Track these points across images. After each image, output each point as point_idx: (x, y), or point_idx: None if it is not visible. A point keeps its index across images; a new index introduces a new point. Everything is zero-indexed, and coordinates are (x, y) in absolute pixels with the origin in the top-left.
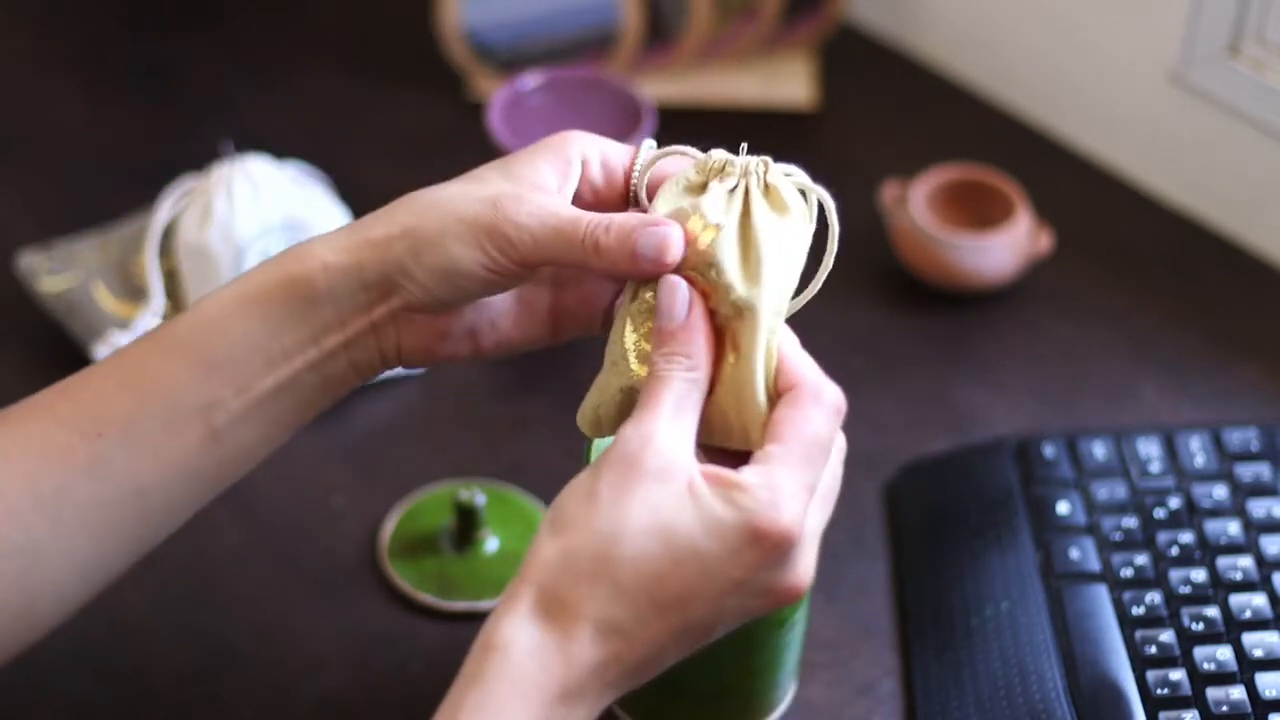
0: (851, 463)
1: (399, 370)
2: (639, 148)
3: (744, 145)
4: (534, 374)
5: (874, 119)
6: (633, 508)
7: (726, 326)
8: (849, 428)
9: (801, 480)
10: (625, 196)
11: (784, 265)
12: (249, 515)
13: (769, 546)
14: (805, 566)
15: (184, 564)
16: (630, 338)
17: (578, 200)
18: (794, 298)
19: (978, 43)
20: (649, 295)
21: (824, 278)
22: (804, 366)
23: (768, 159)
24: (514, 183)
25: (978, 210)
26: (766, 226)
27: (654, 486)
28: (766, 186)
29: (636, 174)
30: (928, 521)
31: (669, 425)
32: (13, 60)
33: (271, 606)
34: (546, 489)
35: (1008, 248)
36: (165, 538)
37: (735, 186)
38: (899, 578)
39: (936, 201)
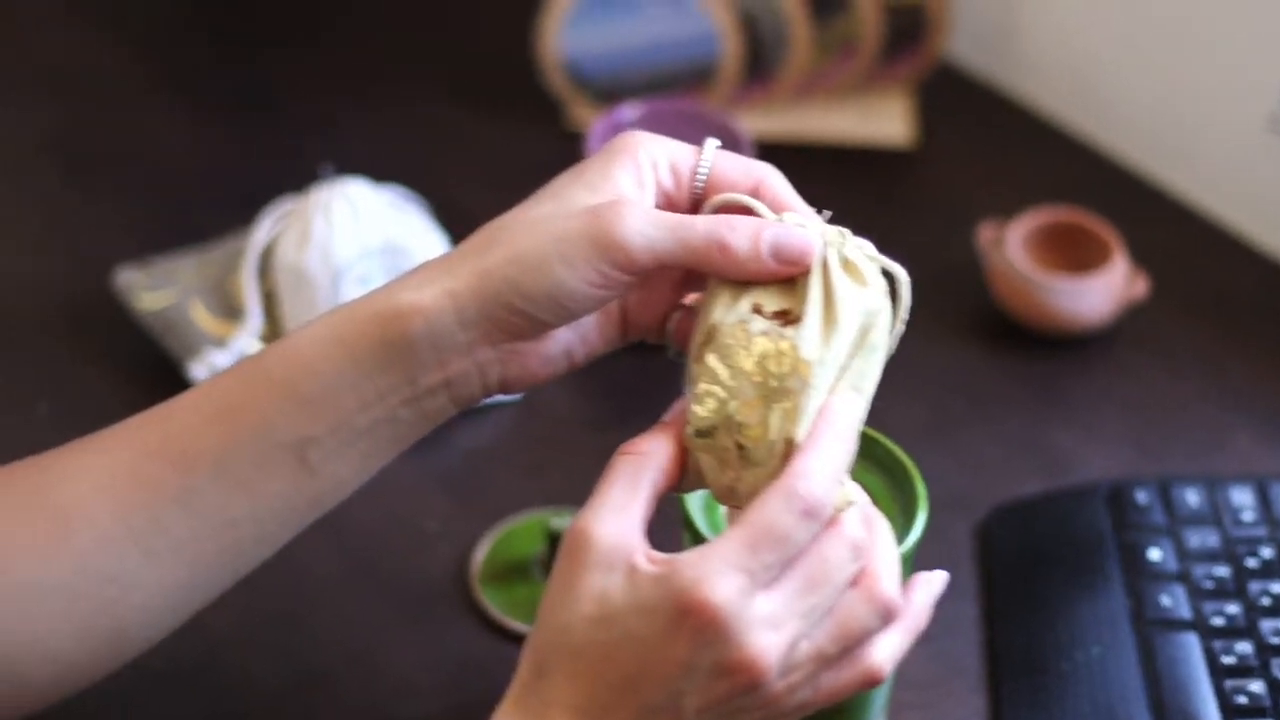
0: (944, 502)
1: (497, 396)
2: (704, 148)
3: (826, 213)
4: (630, 405)
5: (971, 158)
6: (579, 599)
7: (781, 387)
8: (942, 466)
9: (737, 562)
10: (691, 198)
11: (856, 332)
12: (342, 538)
13: (696, 624)
14: (755, 641)
15: (277, 585)
16: (687, 394)
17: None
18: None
19: (1077, 84)
20: (704, 361)
21: (889, 354)
22: (807, 456)
23: (846, 230)
24: (596, 193)
25: (1074, 253)
26: (846, 291)
27: (596, 575)
28: (844, 259)
29: (701, 175)
30: (1019, 563)
31: (611, 513)
32: (116, 79)
33: (363, 629)
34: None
35: (1103, 291)
36: (258, 565)
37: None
38: (989, 618)
39: (1033, 243)
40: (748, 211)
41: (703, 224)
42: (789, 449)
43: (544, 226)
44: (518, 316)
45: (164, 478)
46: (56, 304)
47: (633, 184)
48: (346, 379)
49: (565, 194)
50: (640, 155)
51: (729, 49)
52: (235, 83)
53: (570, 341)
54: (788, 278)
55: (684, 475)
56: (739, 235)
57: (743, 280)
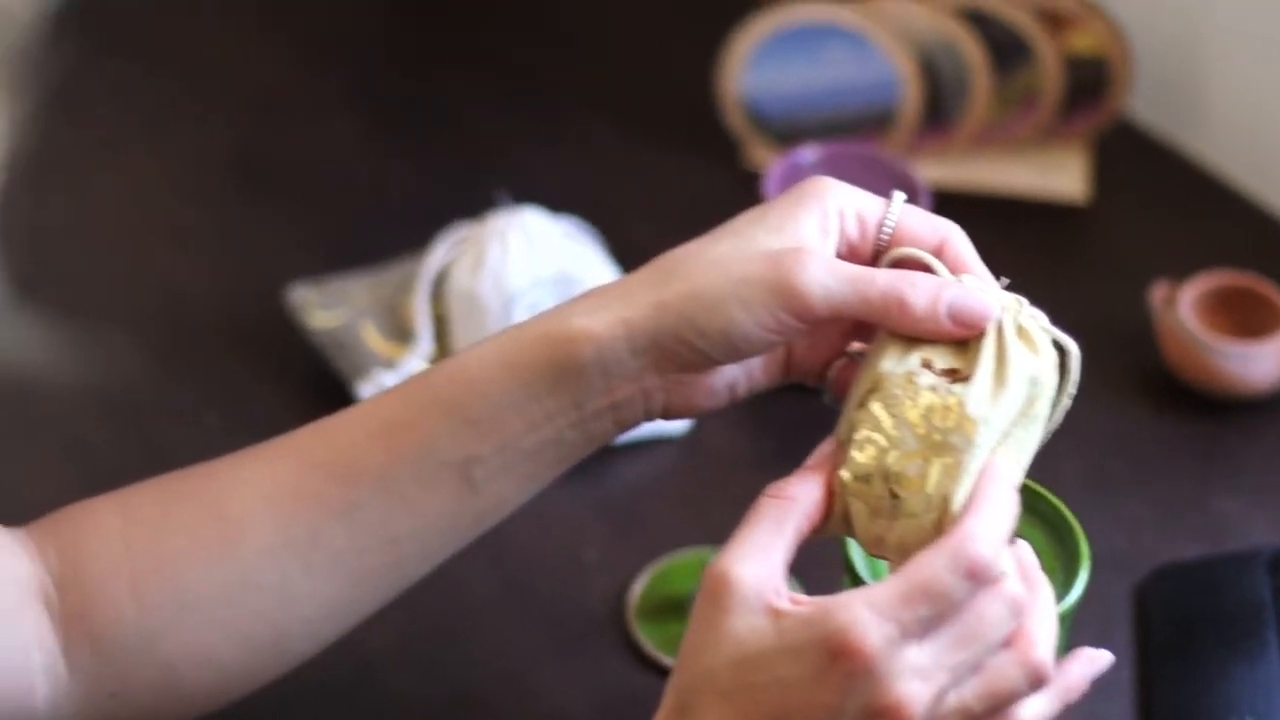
0: (1103, 562)
1: (660, 429)
2: (891, 201)
3: (1004, 280)
4: (794, 445)
5: (1146, 217)
6: (721, 641)
7: (944, 442)
8: (1102, 525)
9: (890, 611)
10: (874, 249)
11: (1024, 398)
12: (500, 562)
13: (847, 668)
14: (904, 689)
15: (433, 605)
16: (842, 438)
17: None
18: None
19: (1256, 148)
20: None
21: (1055, 427)
22: (975, 517)
23: (1023, 299)
24: (779, 237)
25: (1245, 317)
26: (1018, 356)
27: (737, 618)
28: (1019, 326)
29: (888, 228)
30: (1176, 627)
31: (753, 555)
32: (300, 96)
33: (517, 653)
34: (797, 563)
35: (1274, 357)
36: (416, 582)
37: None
38: (1144, 682)
39: (1204, 306)
40: (927, 268)
41: (883, 279)
42: (945, 505)
43: (724, 266)
44: (689, 351)
45: (327, 491)
46: (231, 317)
47: (817, 230)
48: (514, 400)
49: (747, 234)
50: (828, 202)
51: (909, 96)
52: (418, 106)
53: (735, 376)
54: (961, 339)
55: (828, 519)
56: (918, 294)
57: (916, 338)
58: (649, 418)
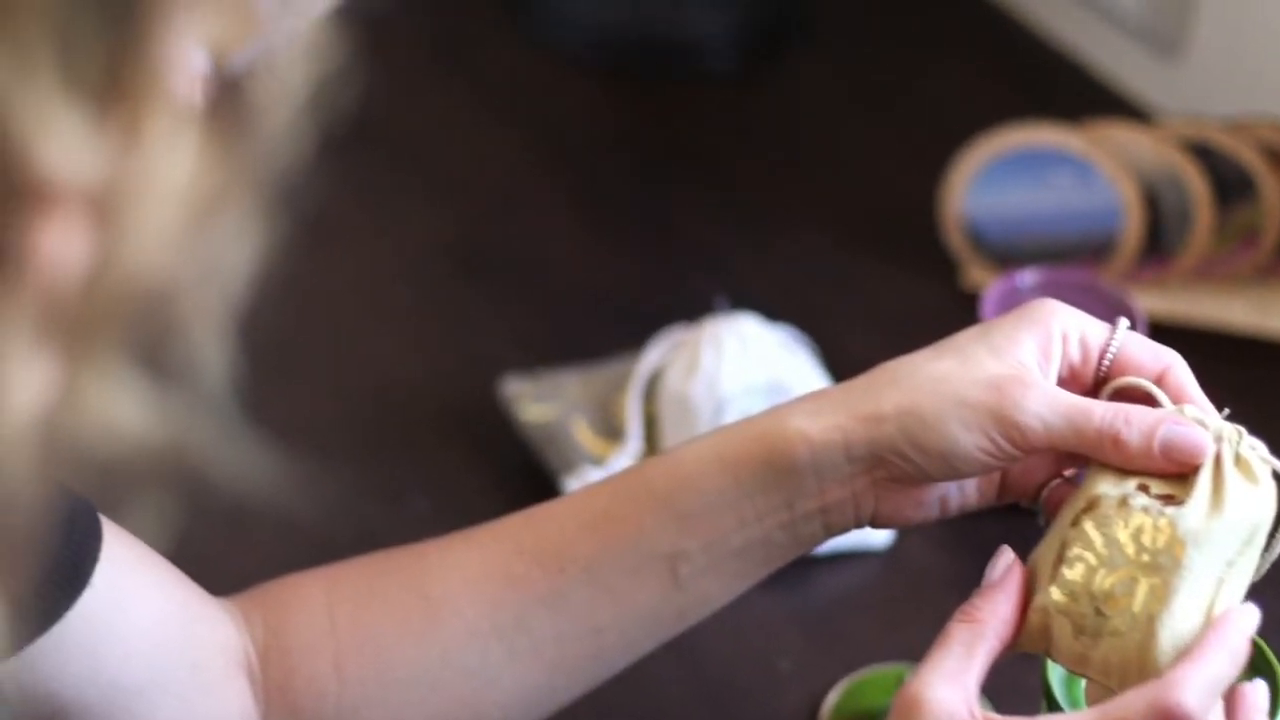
0: None
1: (861, 541)
2: (1116, 327)
3: (1225, 411)
4: None
5: None
6: None
7: (1153, 563)
8: None
9: None
10: (1096, 376)
11: (1240, 527)
12: (693, 663)
13: None
14: None
15: (624, 700)
16: (1049, 556)
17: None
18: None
19: None
20: (1080, 526)
21: (1272, 560)
22: (1191, 665)
23: (1243, 429)
24: (1000, 359)
25: None
26: (1236, 486)
27: None
28: (1237, 456)
29: (1110, 354)
30: None
31: (946, 678)
32: (522, 186)
33: None
34: (991, 686)
35: None
36: (616, 673)
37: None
38: None
39: None
40: (1148, 397)
41: (1099, 414)
42: (1150, 625)
43: (946, 385)
44: (905, 464)
45: (534, 578)
46: (445, 404)
47: (1039, 354)
48: (727, 497)
49: (968, 352)
50: (1052, 325)
51: (1131, 225)
52: (639, 204)
53: (947, 490)
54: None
55: (1019, 636)
56: (1133, 430)
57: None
58: (858, 524)
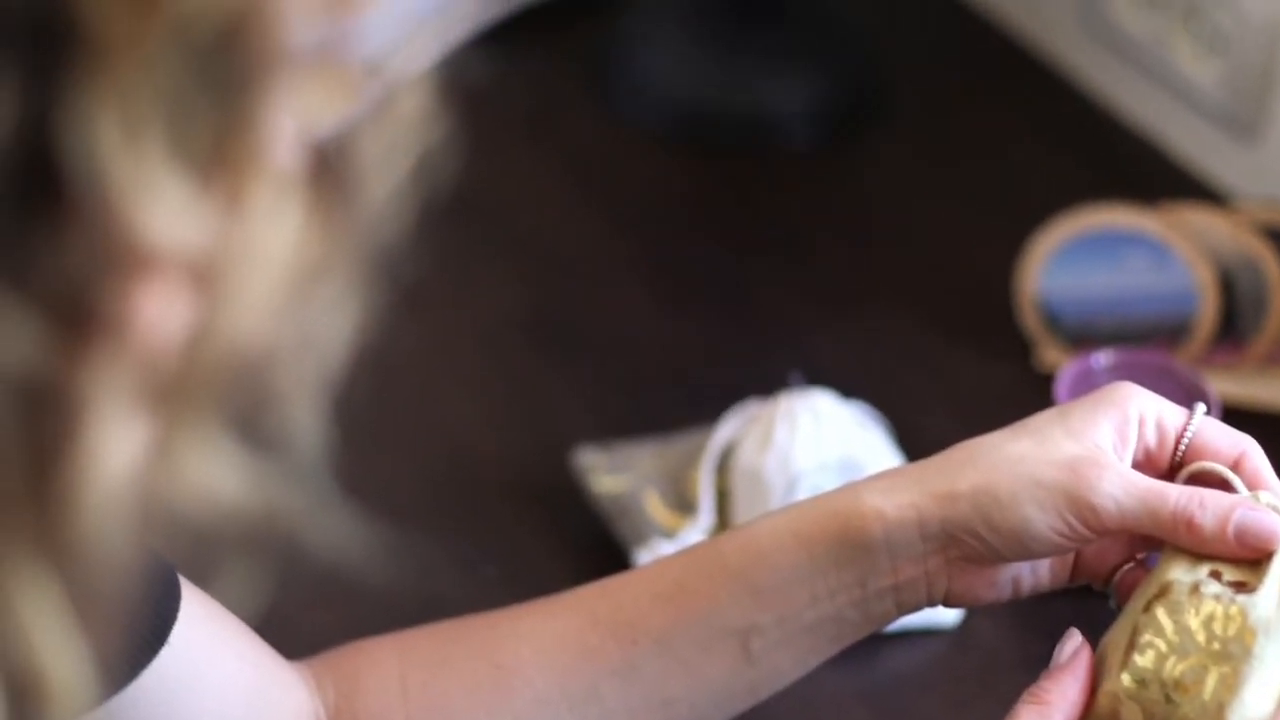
0: None
1: (930, 620)
2: (1194, 412)
3: None
4: None
5: None
6: None
7: (1223, 651)
8: None
9: None
10: (1173, 460)
11: None
12: None
13: None
14: None
15: None
16: (1120, 641)
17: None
18: None
19: None
20: (1152, 612)
21: None
22: None
23: None
24: (1077, 441)
25: None
26: None
27: None
28: None
29: (1187, 439)
30: None
31: None
32: (599, 262)
33: None
34: None
35: None
36: None
37: None
38: None
39: None
40: (1224, 483)
41: (1174, 497)
42: (1220, 713)
43: (1021, 465)
44: (979, 543)
45: (607, 648)
46: (516, 473)
47: (1115, 437)
48: (800, 572)
49: (1046, 434)
50: (1129, 409)
51: (1206, 308)
52: (716, 278)
53: (1020, 571)
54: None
55: (1089, 719)
56: (1207, 513)
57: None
58: (931, 602)
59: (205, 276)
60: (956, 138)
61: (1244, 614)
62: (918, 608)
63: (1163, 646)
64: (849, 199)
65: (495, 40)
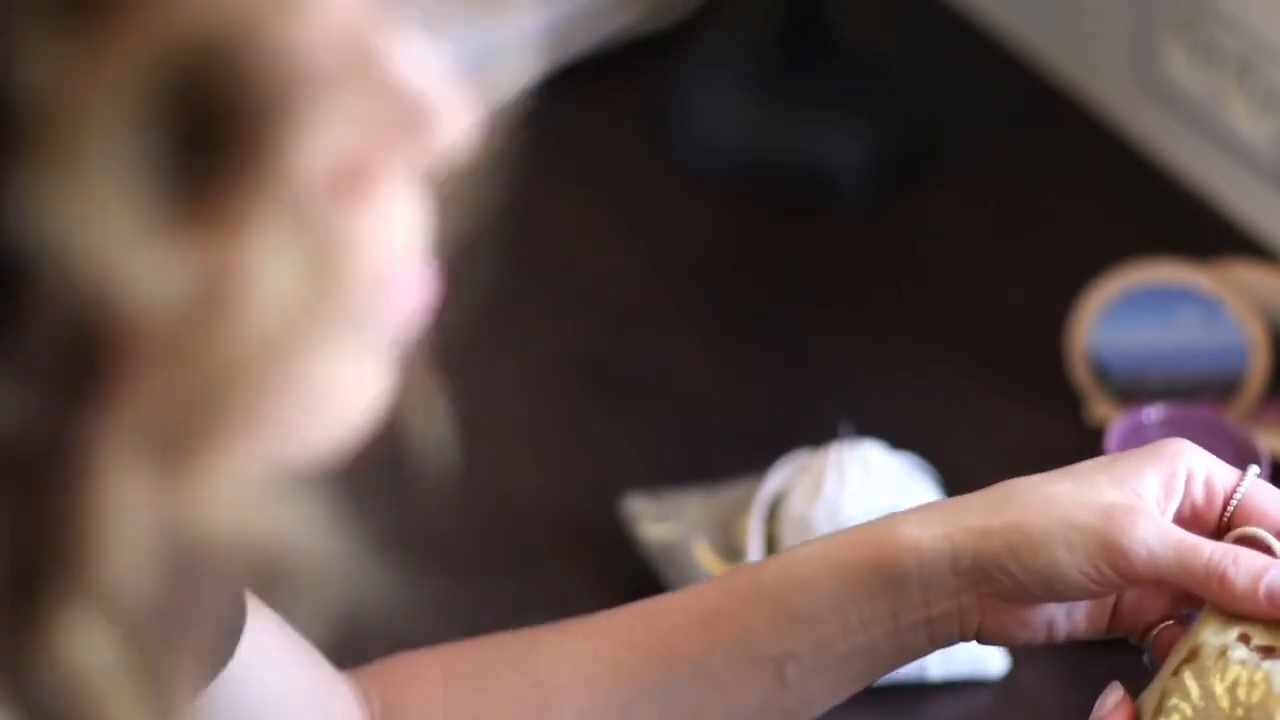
0: None
1: (976, 670)
2: (1245, 474)
3: None
4: None
5: None
6: None
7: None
8: None
9: None
10: (1220, 521)
11: None
12: None
13: None
14: None
15: None
16: (1150, 703)
17: (1174, 516)
18: None
19: None
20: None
21: None
22: None
23: None
24: (1119, 488)
25: None
26: None
27: None
28: None
29: (1236, 500)
30: None
31: None
32: (649, 310)
33: None
34: None
35: None
36: None
37: None
38: None
39: None
40: (1269, 549)
41: (1208, 552)
42: None
43: (1057, 506)
44: (1009, 580)
45: (643, 670)
46: (563, 519)
47: (1160, 489)
48: (835, 601)
49: (1089, 479)
50: (1178, 464)
51: (1257, 364)
52: (767, 328)
53: (1054, 614)
54: None
55: None
56: (1240, 571)
57: (1235, 613)
58: (963, 638)
59: (202, 320)
60: (1009, 191)
61: (1268, 681)
62: (951, 642)
63: (1188, 711)
64: (901, 250)
65: (553, 87)
